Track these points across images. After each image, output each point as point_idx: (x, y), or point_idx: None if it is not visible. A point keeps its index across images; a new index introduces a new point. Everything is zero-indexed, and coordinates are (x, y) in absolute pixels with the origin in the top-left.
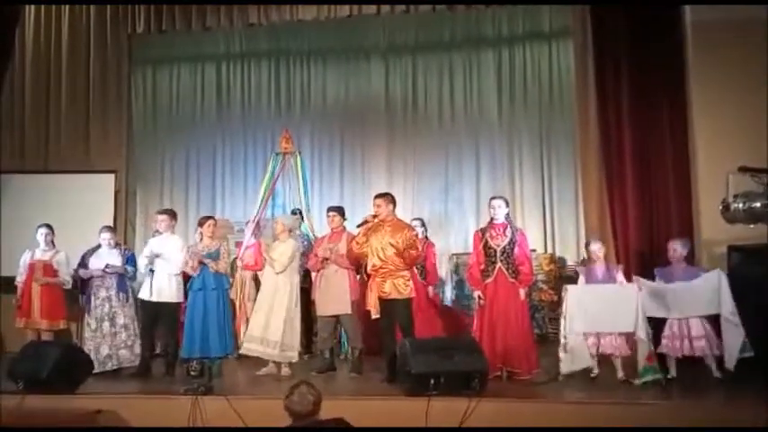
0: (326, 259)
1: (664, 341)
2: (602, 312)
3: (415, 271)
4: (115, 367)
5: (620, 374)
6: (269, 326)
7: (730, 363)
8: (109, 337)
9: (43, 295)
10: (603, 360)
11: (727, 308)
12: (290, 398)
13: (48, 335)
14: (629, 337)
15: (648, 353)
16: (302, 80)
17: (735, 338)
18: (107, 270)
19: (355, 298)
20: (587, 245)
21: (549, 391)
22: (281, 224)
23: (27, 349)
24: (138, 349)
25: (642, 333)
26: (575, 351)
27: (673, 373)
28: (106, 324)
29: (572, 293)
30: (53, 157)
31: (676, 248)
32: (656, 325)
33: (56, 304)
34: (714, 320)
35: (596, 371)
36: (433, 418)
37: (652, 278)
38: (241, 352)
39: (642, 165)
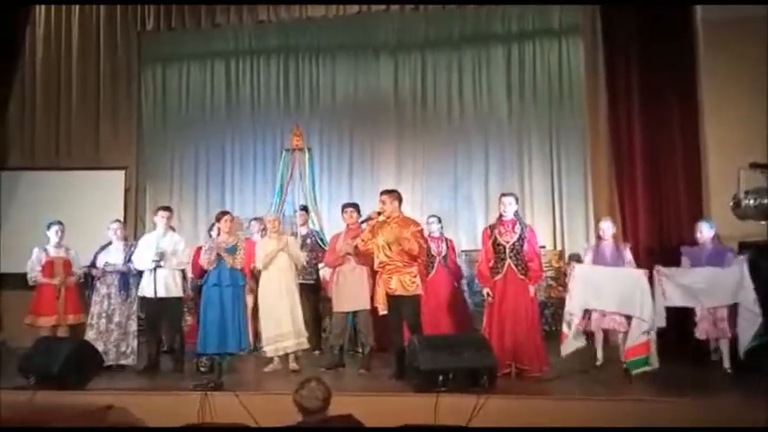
0: (348, 254)
1: (701, 326)
2: (608, 291)
3: (443, 266)
4: (108, 364)
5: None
6: (288, 320)
7: (741, 350)
8: (105, 334)
9: (68, 292)
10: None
11: (749, 297)
12: (300, 392)
13: (64, 330)
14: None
15: (642, 342)
16: (311, 77)
17: (751, 327)
18: (106, 268)
19: (370, 294)
20: (599, 222)
21: (558, 387)
22: (276, 221)
23: (39, 345)
24: (123, 348)
25: (638, 321)
26: (578, 328)
27: (726, 363)
28: (103, 321)
29: (578, 271)
30: (63, 155)
31: (703, 230)
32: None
33: (77, 299)
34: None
35: (600, 358)
36: (441, 415)
37: (677, 261)
38: (269, 355)
39: (652, 162)
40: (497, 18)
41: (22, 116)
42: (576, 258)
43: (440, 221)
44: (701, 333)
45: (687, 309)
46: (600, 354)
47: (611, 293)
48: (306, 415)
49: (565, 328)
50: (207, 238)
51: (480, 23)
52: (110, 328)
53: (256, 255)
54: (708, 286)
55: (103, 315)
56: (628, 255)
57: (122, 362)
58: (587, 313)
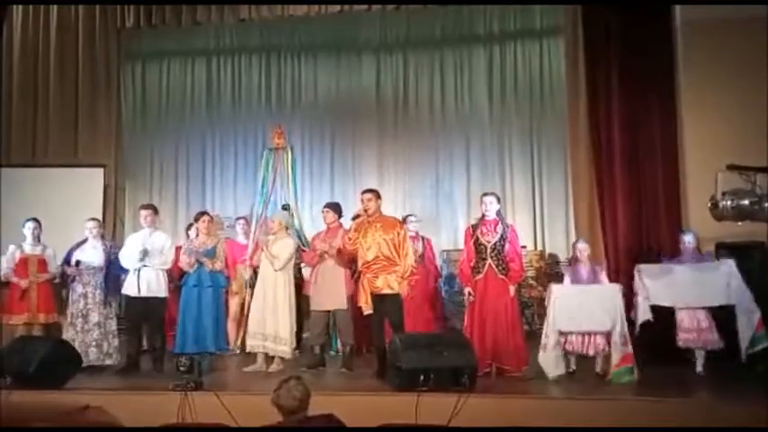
0: (325, 253)
1: (681, 335)
2: (584, 312)
3: (420, 265)
4: (88, 364)
5: (599, 369)
6: (272, 322)
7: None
8: (81, 333)
9: (39, 290)
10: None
11: (745, 296)
12: (277, 392)
13: (39, 329)
14: (609, 337)
15: (625, 354)
16: (293, 76)
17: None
18: (81, 267)
19: (349, 293)
20: (575, 243)
21: (538, 387)
22: (278, 222)
23: (14, 344)
24: (106, 348)
25: (617, 336)
26: (557, 352)
27: (699, 368)
28: (80, 321)
29: (556, 293)
30: (41, 152)
31: (689, 240)
32: (666, 317)
33: (50, 298)
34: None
35: (573, 367)
36: (422, 414)
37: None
38: (248, 350)
39: (632, 162)
40: (479, 18)
41: None
42: (556, 262)
43: (418, 220)
44: (683, 342)
45: (667, 313)
46: (573, 364)
47: (588, 313)
48: (285, 414)
49: (540, 351)
50: (185, 237)
51: (462, 23)
52: (86, 328)
53: (267, 256)
54: (692, 284)
55: (79, 315)
56: (603, 276)
57: (107, 362)
58: (566, 336)
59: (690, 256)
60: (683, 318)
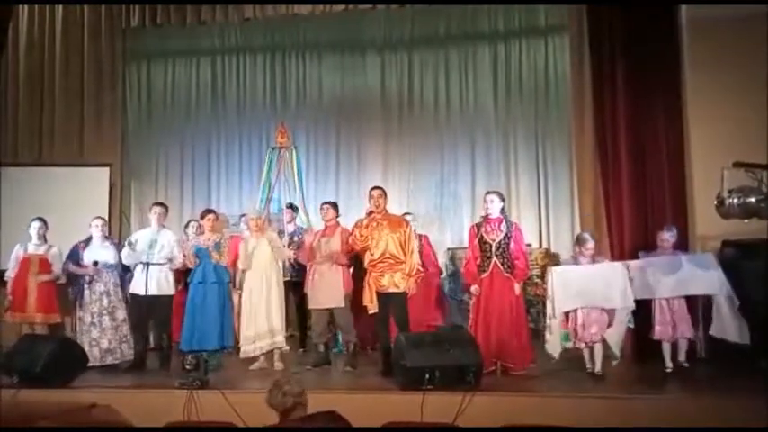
0: (316, 255)
1: (657, 328)
2: (586, 288)
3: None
4: (117, 361)
5: (595, 367)
6: (271, 316)
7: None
8: (110, 331)
9: (39, 289)
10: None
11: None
12: (270, 391)
13: (41, 328)
14: (611, 318)
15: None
16: (298, 75)
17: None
18: (98, 267)
19: (348, 291)
20: (579, 240)
21: (543, 385)
22: (259, 220)
23: (21, 343)
24: (133, 343)
25: (622, 313)
26: (564, 330)
27: (668, 365)
28: (106, 318)
29: (557, 273)
30: (47, 151)
31: (665, 238)
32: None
33: (50, 298)
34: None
35: (599, 369)
36: (427, 412)
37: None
38: (247, 355)
39: (637, 160)
40: (483, 16)
41: (4, 111)
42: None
43: (414, 219)
44: (657, 334)
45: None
46: (589, 362)
47: (590, 289)
48: (281, 414)
49: (547, 334)
50: (185, 235)
51: (466, 21)
52: (114, 325)
53: (239, 254)
54: (665, 275)
55: (105, 312)
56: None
57: (128, 357)
58: (573, 317)
59: (666, 254)
60: (660, 308)
